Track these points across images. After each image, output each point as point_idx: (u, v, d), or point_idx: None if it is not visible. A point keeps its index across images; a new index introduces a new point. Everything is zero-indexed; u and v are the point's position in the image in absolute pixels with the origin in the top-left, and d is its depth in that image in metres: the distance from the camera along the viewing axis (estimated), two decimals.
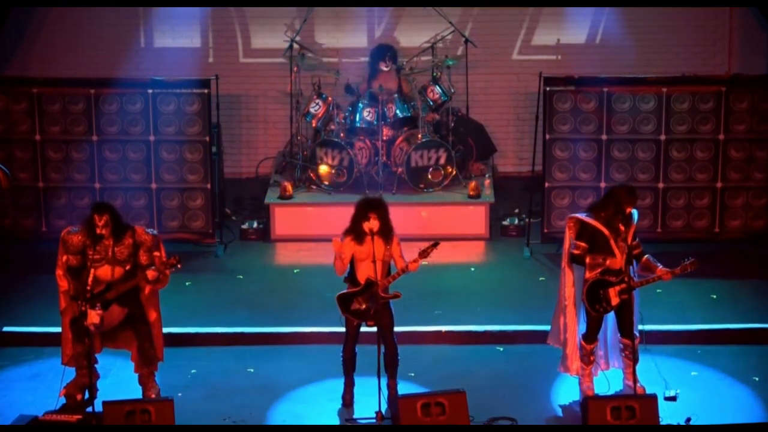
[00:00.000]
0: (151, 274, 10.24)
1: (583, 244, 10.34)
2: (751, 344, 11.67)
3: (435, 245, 10.34)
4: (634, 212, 10.36)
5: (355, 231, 10.35)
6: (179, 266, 10.29)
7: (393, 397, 10.33)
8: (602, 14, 15.89)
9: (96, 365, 10.63)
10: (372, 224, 10.24)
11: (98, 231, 10.22)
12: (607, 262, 10.31)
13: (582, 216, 10.46)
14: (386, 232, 10.33)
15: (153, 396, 10.49)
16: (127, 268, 10.34)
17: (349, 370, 10.61)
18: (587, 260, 10.34)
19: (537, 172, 14.13)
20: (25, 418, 10.28)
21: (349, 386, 10.63)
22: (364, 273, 10.38)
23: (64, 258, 10.44)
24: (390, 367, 10.55)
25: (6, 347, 11.77)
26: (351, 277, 10.49)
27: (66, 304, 10.57)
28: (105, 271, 10.29)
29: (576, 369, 10.66)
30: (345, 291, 10.49)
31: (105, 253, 10.28)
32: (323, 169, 14.42)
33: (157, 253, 10.43)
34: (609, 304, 10.35)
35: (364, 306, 10.38)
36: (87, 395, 10.45)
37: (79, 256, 10.34)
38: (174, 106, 13.83)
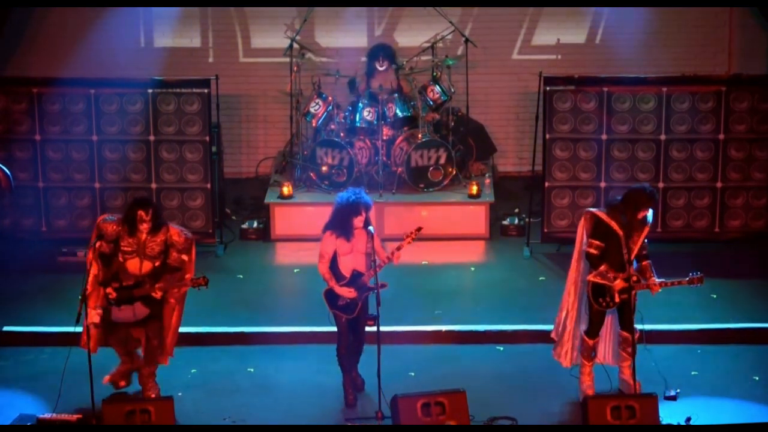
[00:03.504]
0: (156, 294, 10.33)
1: (598, 243, 10.33)
2: (751, 344, 11.66)
3: (418, 230, 10.38)
4: (651, 214, 10.36)
5: (341, 226, 10.36)
6: (206, 287, 10.34)
7: (360, 385, 10.52)
8: (602, 14, 15.90)
9: (138, 351, 10.70)
10: (362, 218, 10.32)
11: (145, 225, 10.25)
12: (619, 278, 10.32)
13: (598, 212, 10.45)
14: (368, 224, 10.38)
15: (152, 396, 10.49)
16: (157, 264, 10.38)
17: (346, 367, 10.62)
18: (602, 267, 10.33)
19: (537, 172, 14.13)
20: (25, 418, 10.28)
21: (349, 386, 10.63)
22: (348, 266, 10.41)
23: (98, 243, 10.44)
24: (357, 357, 10.63)
25: (6, 347, 11.76)
26: (333, 273, 10.48)
27: (92, 288, 10.53)
28: (134, 264, 10.35)
29: (569, 361, 10.68)
30: (330, 287, 10.51)
31: (136, 246, 10.33)
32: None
33: (186, 257, 10.47)
34: (612, 299, 10.37)
35: (352, 300, 10.39)
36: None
37: (112, 244, 10.39)
38: (174, 106, 13.84)
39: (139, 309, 10.42)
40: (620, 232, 10.28)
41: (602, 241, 10.33)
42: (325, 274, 10.44)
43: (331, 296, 10.49)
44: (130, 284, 10.35)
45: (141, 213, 10.28)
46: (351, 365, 10.66)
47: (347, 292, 10.40)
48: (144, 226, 10.29)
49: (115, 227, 10.40)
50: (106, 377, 10.67)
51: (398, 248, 10.30)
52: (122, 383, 10.71)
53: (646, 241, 10.43)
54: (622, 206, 10.37)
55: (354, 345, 10.60)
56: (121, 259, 10.35)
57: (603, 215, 10.39)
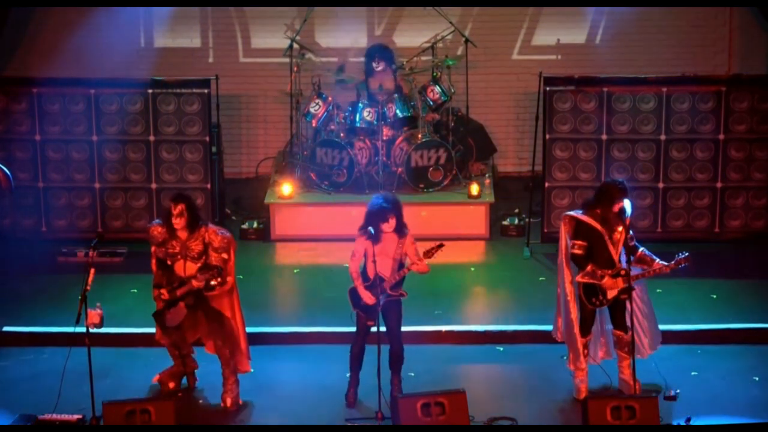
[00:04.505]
0: (195, 282, 10.34)
1: (582, 243, 10.36)
2: (751, 344, 11.66)
3: (440, 246, 10.36)
4: (628, 206, 10.35)
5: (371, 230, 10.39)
6: (219, 279, 10.33)
7: (396, 394, 10.38)
8: (602, 14, 15.89)
9: (193, 355, 10.81)
10: (391, 224, 10.34)
11: (173, 220, 10.29)
12: (606, 275, 10.34)
13: (576, 214, 10.49)
14: (400, 229, 10.41)
15: (229, 401, 10.54)
16: (199, 264, 10.40)
17: (355, 366, 10.63)
18: (589, 267, 10.35)
19: (537, 172, 14.13)
20: (25, 418, 10.27)
21: (353, 385, 10.64)
22: (373, 269, 10.44)
23: (153, 249, 10.56)
24: (394, 364, 10.59)
25: (6, 347, 11.76)
26: (363, 273, 10.55)
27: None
28: (179, 266, 10.42)
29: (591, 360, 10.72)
30: (355, 286, 10.55)
31: (179, 247, 10.39)
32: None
33: (225, 256, 10.46)
34: (605, 297, 10.39)
35: (372, 302, 10.43)
36: (178, 385, 10.81)
37: (163, 248, 10.45)
38: (174, 106, 13.85)
39: (176, 310, 10.46)
40: (602, 229, 10.31)
41: (585, 240, 10.35)
42: (353, 272, 10.50)
43: (354, 295, 10.53)
44: (176, 286, 10.41)
45: (170, 207, 10.33)
46: (394, 370, 10.60)
47: (367, 297, 10.42)
48: (175, 221, 10.30)
49: (160, 229, 10.47)
50: (156, 376, 10.80)
51: (420, 260, 10.32)
52: (171, 384, 10.77)
53: (631, 232, 10.43)
54: (596, 201, 10.40)
55: (390, 353, 10.56)
56: (169, 262, 10.42)
57: (581, 216, 10.42)
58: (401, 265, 10.43)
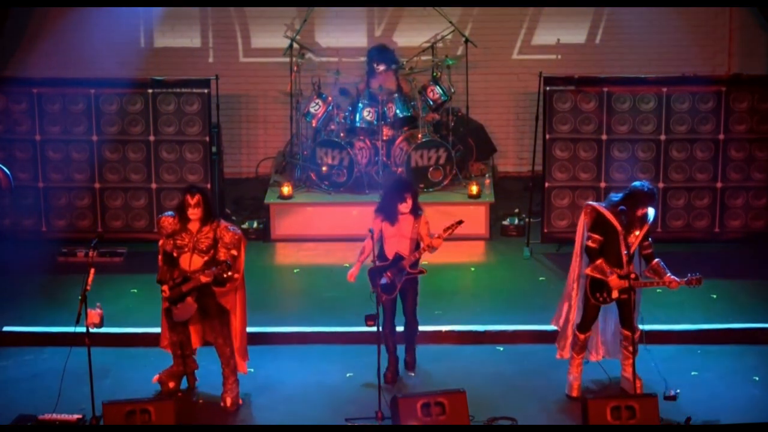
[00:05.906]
0: (203, 278, 10.31)
1: (598, 237, 10.37)
2: (751, 344, 11.66)
3: (459, 223, 10.64)
4: (651, 212, 10.37)
5: (388, 211, 10.67)
6: (231, 272, 10.36)
7: (409, 372, 10.90)
8: (602, 14, 15.90)
9: (194, 356, 10.84)
10: (408, 205, 10.61)
11: (190, 210, 10.30)
12: (615, 273, 10.35)
13: (598, 205, 10.48)
14: (415, 210, 10.68)
15: (229, 401, 10.53)
16: (206, 259, 10.39)
17: (390, 346, 10.83)
18: (599, 261, 10.35)
19: (537, 172, 14.13)
20: (25, 418, 10.28)
21: (393, 363, 10.83)
22: (392, 249, 10.70)
23: (161, 241, 10.55)
24: (409, 341, 10.95)
25: (6, 347, 11.76)
26: (380, 254, 10.72)
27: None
28: (185, 260, 10.40)
29: (569, 352, 10.74)
30: (375, 265, 10.68)
31: (188, 240, 10.38)
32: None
33: (235, 252, 10.48)
34: (609, 295, 10.40)
35: (391, 280, 10.63)
36: (182, 384, 10.83)
37: (171, 240, 10.45)
38: (174, 106, 13.85)
39: (185, 306, 10.44)
40: (619, 228, 10.32)
41: (601, 235, 10.37)
42: (363, 247, 10.78)
43: (373, 275, 10.69)
44: (179, 281, 10.39)
45: (187, 197, 10.33)
46: (408, 347, 10.99)
47: (351, 275, 10.78)
48: (191, 212, 10.29)
49: (171, 220, 10.47)
50: (156, 376, 10.79)
51: (438, 237, 10.64)
52: (171, 384, 10.78)
53: (650, 240, 10.44)
54: (622, 201, 10.41)
55: (405, 331, 10.94)
56: (175, 254, 10.41)
57: (603, 210, 10.43)
58: (417, 245, 10.69)
